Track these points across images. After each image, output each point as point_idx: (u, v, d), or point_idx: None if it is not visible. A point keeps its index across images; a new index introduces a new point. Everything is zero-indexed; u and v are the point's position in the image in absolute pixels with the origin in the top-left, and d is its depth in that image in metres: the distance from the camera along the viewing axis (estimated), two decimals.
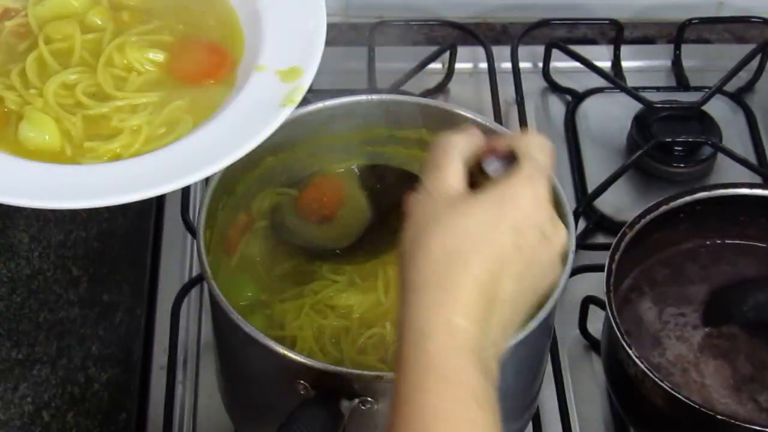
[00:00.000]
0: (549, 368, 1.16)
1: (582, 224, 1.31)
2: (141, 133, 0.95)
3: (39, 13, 1.03)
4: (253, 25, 1.02)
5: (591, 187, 1.34)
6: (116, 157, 0.94)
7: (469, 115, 1.11)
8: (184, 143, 0.94)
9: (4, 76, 0.99)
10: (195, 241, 1.02)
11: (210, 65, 1.00)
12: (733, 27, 1.55)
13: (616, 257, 1.10)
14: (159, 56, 1.01)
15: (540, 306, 0.96)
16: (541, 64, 1.47)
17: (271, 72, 0.97)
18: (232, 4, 1.05)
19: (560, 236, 0.84)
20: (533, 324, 0.95)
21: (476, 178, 0.86)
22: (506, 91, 1.42)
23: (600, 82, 1.44)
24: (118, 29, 1.03)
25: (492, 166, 0.85)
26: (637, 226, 1.12)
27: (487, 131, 0.96)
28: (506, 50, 1.46)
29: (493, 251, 0.80)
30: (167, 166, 0.92)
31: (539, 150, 0.85)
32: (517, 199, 0.82)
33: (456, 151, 0.85)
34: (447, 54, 1.45)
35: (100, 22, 1.03)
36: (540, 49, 1.46)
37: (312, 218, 1.10)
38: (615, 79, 1.43)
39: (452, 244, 0.79)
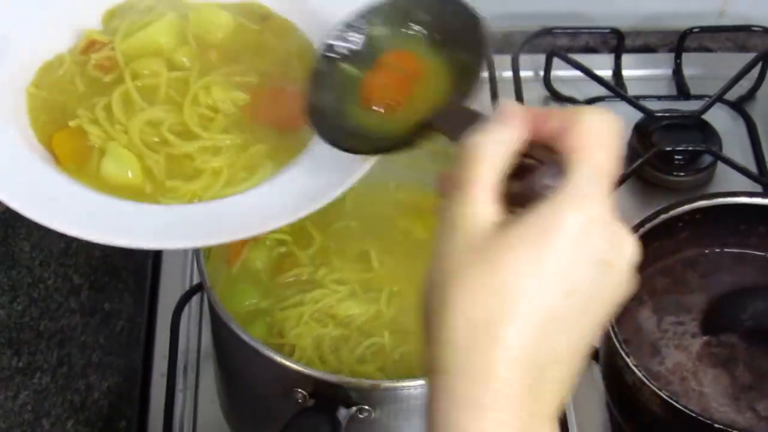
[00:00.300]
0: None
1: None
2: (222, 175, 0.94)
3: (126, 48, 1.01)
4: None
5: None
6: (195, 198, 0.93)
7: None
8: (263, 190, 0.92)
9: (89, 110, 0.97)
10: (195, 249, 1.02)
11: (292, 110, 0.96)
12: (734, 36, 1.55)
13: None
14: (243, 98, 0.99)
15: None
16: (542, 73, 1.47)
17: None
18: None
19: (626, 253, 0.67)
20: None
21: (522, 177, 0.68)
22: (507, 100, 1.42)
23: (601, 90, 1.44)
24: (204, 68, 1.01)
25: (539, 181, 0.67)
26: (636, 235, 1.12)
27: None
28: (507, 59, 1.46)
29: (535, 313, 0.63)
30: (245, 213, 0.90)
31: (599, 141, 0.66)
32: (563, 233, 0.63)
33: (486, 165, 0.66)
34: None
35: (186, 61, 1.01)
36: (541, 58, 1.47)
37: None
38: (616, 87, 1.44)
39: (479, 311, 0.63)
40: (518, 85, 1.43)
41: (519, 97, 1.41)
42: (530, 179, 0.68)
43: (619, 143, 0.67)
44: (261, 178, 0.94)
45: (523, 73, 1.45)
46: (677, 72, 1.49)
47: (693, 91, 1.47)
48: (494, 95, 1.41)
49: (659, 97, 1.46)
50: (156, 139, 0.96)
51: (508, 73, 1.45)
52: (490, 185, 0.66)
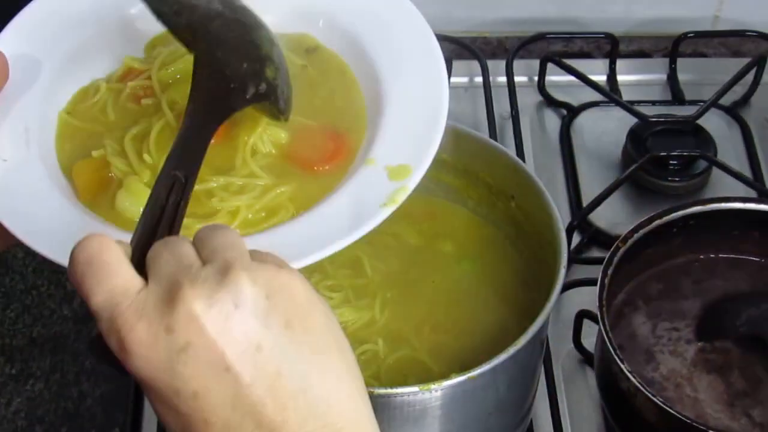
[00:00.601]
0: (543, 382, 1.16)
1: (577, 238, 1.31)
2: (238, 216, 0.92)
3: (163, 78, 0.99)
4: (374, 114, 0.98)
5: (586, 201, 1.34)
6: None
7: (463, 130, 1.11)
8: (278, 232, 0.90)
9: (116, 141, 0.95)
10: None
11: (325, 153, 0.96)
12: (729, 41, 1.55)
13: (609, 271, 1.10)
14: (282, 137, 0.97)
15: (531, 319, 0.97)
16: (536, 78, 1.47)
17: (381, 167, 0.92)
18: (361, 90, 1.00)
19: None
20: (525, 338, 0.95)
21: None
22: (501, 105, 1.42)
23: (595, 96, 1.44)
24: None
25: None
26: (631, 241, 1.12)
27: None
28: (501, 64, 1.46)
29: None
30: None
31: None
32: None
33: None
34: None
35: None
36: (535, 63, 1.47)
37: None
38: (610, 93, 1.44)
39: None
40: (512, 90, 1.43)
41: (513, 103, 1.41)
42: None
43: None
44: (280, 220, 0.92)
45: (517, 79, 1.45)
46: (671, 77, 1.49)
47: (687, 97, 1.47)
48: (489, 101, 1.41)
49: (653, 102, 1.46)
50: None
51: (503, 79, 1.45)
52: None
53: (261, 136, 0.95)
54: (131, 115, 0.97)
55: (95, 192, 0.92)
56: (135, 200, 0.91)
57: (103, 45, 1.01)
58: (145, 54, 1.02)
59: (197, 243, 0.72)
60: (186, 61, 0.97)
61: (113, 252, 0.71)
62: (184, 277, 0.68)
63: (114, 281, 0.69)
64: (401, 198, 0.89)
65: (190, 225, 0.88)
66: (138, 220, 0.80)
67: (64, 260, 0.78)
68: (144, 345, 0.67)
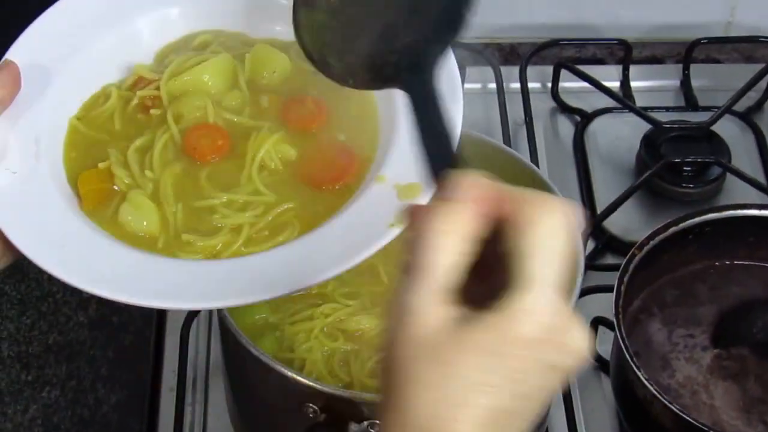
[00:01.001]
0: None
1: (591, 245, 1.31)
2: (242, 233, 0.90)
3: (171, 89, 0.97)
4: (387, 131, 0.95)
5: (600, 207, 1.34)
6: (214, 256, 0.89)
7: (477, 136, 1.11)
8: (283, 251, 0.88)
9: (121, 151, 0.94)
10: None
11: (335, 169, 0.93)
12: (742, 47, 1.55)
13: (625, 278, 1.10)
14: (292, 153, 0.94)
15: None
16: (549, 85, 1.47)
17: (390, 185, 0.90)
18: (376, 101, 0.97)
19: (575, 354, 0.66)
20: None
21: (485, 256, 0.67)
22: (515, 112, 1.42)
23: (609, 102, 1.44)
24: (254, 115, 0.96)
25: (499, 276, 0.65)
26: (646, 247, 1.12)
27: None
28: (515, 70, 1.46)
29: (484, 416, 0.64)
30: (259, 275, 0.87)
31: (552, 247, 0.65)
32: (517, 345, 0.64)
33: (440, 257, 0.65)
34: None
35: (236, 106, 0.97)
36: (549, 70, 1.47)
37: None
38: (624, 99, 1.43)
39: (430, 410, 0.64)
40: (526, 96, 1.43)
41: (527, 109, 1.41)
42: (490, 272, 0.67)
43: (575, 245, 0.68)
44: (286, 239, 0.90)
45: (530, 85, 1.45)
46: (685, 83, 1.49)
47: (701, 103, 1.46)
48: (502, 107, 1.41)
49: (667, 109, 1.46)
50: (189, 188, 0.92)
51: (516, 85, 1.45)
52: (443, 282, 0.65)
53: (269, 153, 0.93)
54: (137, 125, 0.96)
55: (98, 203, 0.92)
56: (137, 214, 0.90)
57: (116, 52, 1.00)
58: (155, 62, 1.01)
59: None
60: (195, 73, 0.97)
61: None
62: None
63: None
64: None
65: (193, 241, 0.89)
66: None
67: (61, 274, 0.83)
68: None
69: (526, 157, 1.24)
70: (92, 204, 0.91)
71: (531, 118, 1.41)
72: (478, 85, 1.48)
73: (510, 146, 1.33)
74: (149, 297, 0.86)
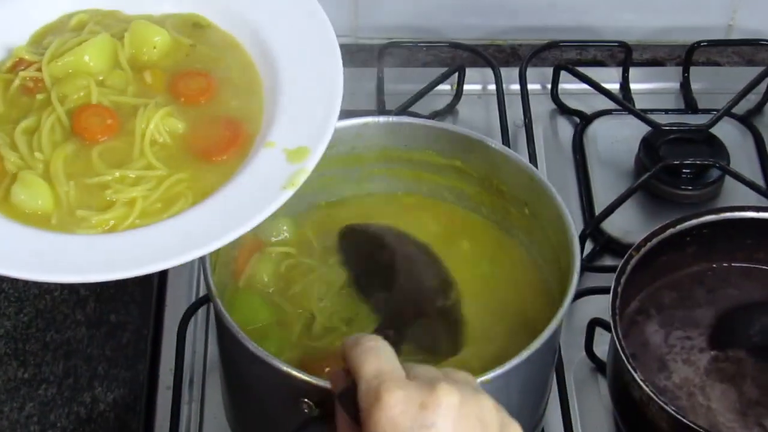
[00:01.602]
0: (555, 390, 1.16)
1: (589, 246, 1.31)
2: (136, 206, 0.93)
3: (53, 71, 0.98)
4: (271, 98, 0.99)
5: (599, 209, 1.34)
6: (110, 230, 0.92)
7: (477, 137, 1.11)
8: (179, 220, 0.92)
9: (7, 133, 0.95)
10: (201, 260, 1.02)
11: (223, 141, 0.97)
12: (742, 50, 1.55)
13: (622, 280, 1.10)
14: (179, 127, 0.98)
15: (544, 326, 0.97)
16: (549, 86, 1.47)
17: (279, 150, 0.94)
18: (258, 69, 1.02)
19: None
20: (537, 344, 0.95)
21: None
22: (515, 113, 1.42)
23: (608, 104, 1.44)
24: (139, 92, 0.99)
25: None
26: (644, 249, 1.12)
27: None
28: (515, 72, 1.46)
29: None
30: (157, 245, 0.89)
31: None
32: None
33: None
34: (456, 75, 1.45)
35: (119, 85, 0.99)
36: (549, 71, 1.47)
37: None
38: (623, 101, 1.43)
39: None
40: (525, 98, 1.43)
41: (526, 110, 1.41)
42: None
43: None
44: (180, 209, 0.93)
45: (530, 86, 1.45)
46: (685, 86, 1.49)
47: (700, 105, 1.46)
48: (502, 109, 1.41)
49: (667, 111, 1.46)
50: (79, 167, 0.94)
51: (516, 87, 1.45)
52: None
53: (158, 127, 0.96)
54: (21, 107, 0.97)
55: None
56: (31, 193, 0.92)
57: None
58: (31, 43, 1.02)
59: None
60: (77, 54, 0.99)
61: (389, 349, 0.84)
62: (443, 377, 0.81)
63: (385, 363, 0.81)
64: (301, 179, 0.91)
65: (87, 216, 0.91)
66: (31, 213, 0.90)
67: None
68: (397, 407, 0.77)
69: (525, 159, 1.24)
70: None
71: (530, 120, 1.40)
72: (478, 87, 1.48)
73: (509, 147, 1.33)
74: (47, 271, 0.87)
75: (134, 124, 0.96)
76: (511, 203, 1.12)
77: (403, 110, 1.37)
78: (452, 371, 0.83)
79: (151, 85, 0.99)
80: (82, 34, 1.01)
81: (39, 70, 0.98)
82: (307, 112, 0.96)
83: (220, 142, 0.96)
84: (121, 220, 0.92)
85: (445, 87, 1.46)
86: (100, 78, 0.99)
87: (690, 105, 1.47)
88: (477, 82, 1.48)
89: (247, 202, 0.91)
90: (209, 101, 0.99)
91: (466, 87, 1.46)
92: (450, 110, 1.46)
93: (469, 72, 1.46)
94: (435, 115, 1.42)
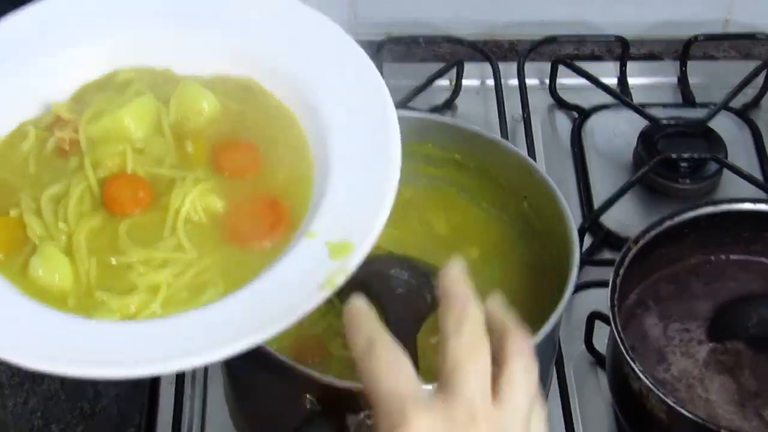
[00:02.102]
0: (555, 384, 1.16)
1: (588, 240, 1.32)
2: (159, 293, 0.84)
3: (91, 133, 0.91)
4: (320, 181, 0.90)
5: (597, 203, 1.34)
6: (130, 316, 0.84)
7: (475, 131, 1.12)
8: (205, 313, 0.83)
9: (34, 198, 0.88)
10: None
11: (263, 225, 0.88)
12: (739, 44, 1.55)
13: (621, 272, 1.10)
14: (218, 205, 0.89)
15: (543, 320, 0.97)
16: (547, 81, 1.47)
17: (321, 242, 0.85)
18: (309, 146, 0.92)
19: None
20: (537, 338, 0.96)
21: None
22: (513, 107, 1.43)
23: (606, 98, 1.44)
24: (178, 162, 0.91)
25: None
26: (642, 242, 1.12)
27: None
28: (513, 67, 1.47)
29: None
30: (178, 339, 0.81)
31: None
32: None
33: None
34: (454, 70, 1.46)
35: (158, 154, 0.91)
36: (546, 66, 1.47)
37: None
38: (621, 95, 1.44)
39: None
40: (524, 92, 1.44)
41: (525, 105, 1.42)
42: None
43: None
44: (208, 299, 0.84)
45: (528, 81, 1.46)
46: (682, 80, 1.49)
47: (698, 99, 1.47)
48: (500, 103, 1.41)
49: (664, 105, 1.47)
50: (104, 242, 0.87)
51: (514, 81, 1.46)
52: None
53: (194, 204, 0.88)
54: (54, 169, 0.90)
55: (7, 253, 0.86)
56: (49, 268, 0.85)
57: (34, 87, 0.94)
58: (73, 100, 0.95)
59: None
60: (117, 116, 0.91)
61: (408, 363, 0.76)
62: (480, 403, 0.74)
63: (405, 381, 0.75)
64: (340, 280, 0.82)
65: (107, 300, 0.84)
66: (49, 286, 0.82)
67: None
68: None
69: (524, 153, 1.25)
70: (2, 253, 0.86)
71: (529, 115, 1.41)
72: (476, 81, 1.49)
73: (508, 141, 1.34)
74: (53, 361, 0.79)
75: (169, 199, 0.88)
76: (511, 196, 1.12)
77: (401, 105, 1.37)
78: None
79: (192, 155, 0.92)
80: (126, 94, 0.94)
81: (76, 130, 0.91)
82: (356, 203, 0.87)
83: (260, 226, 0.88)
84: (143, 307, 0.84)
85: (443, 82, 1.46)
86: (139, 144, 0.91)
87: (687, 99, 1.48)
88: (475, 77, 1.49)
89: (281, 299, 0.82)
90: (253, 177, 0.91)
91: (464, 82, 1.47)
92: (449, 105, 1.46)
93: (468, 67, 1.46)
94: (434, 110, 1.43)
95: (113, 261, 0.86)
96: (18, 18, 0.97)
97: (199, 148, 0.92)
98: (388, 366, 0.75)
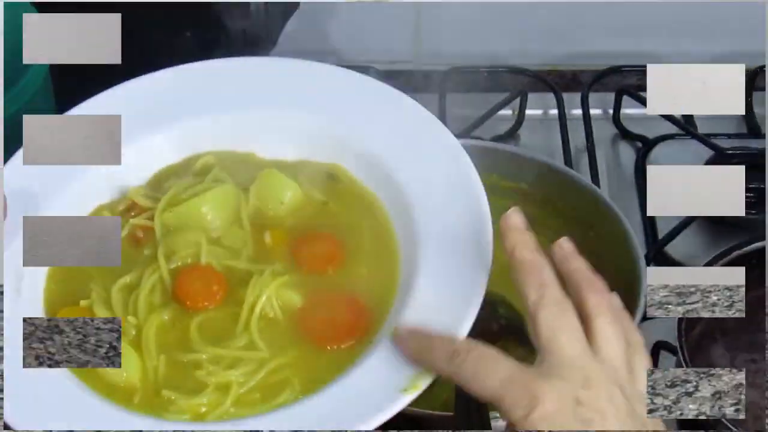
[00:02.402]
0: None
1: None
2: (229, 393, 0.81)
3: (166, 220, 0.88)
4: (406, 276, 0.85)
5: (662, 233, 1.34)
6: (199, 417, 0.81)
7: (544, 160, 1.12)
8: (279, 416, 0.79)
9: (104, 288, 0.86)
10: None
11: (342, 326, 0.84)
12: None
13: None
14: (296, 301, 0.86)
15: None
16: (611, 111, 1.47)
17: None
18: (396, 237, 0.88)
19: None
20: None
21: None
22: (577, 138, 1.43)
23: (671, 128, 1.44)
24: (256, 254, 0.88)
25: None
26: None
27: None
28: (576, 97, 1.47)
29: None
30: None
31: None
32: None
33: None
34: (517, 100, 1.46)
35: (235, 245, 0.88)
36: (610, 96, 1.47)
37: None
38: (686, 125, 1.44)
39: None
40: (588, 122, 1.44)
41: (589, 135, 1.42)
42: None
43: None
44: (285, 401, 0.81)
45: (592, 111, 1.46)
46: (747, 110, 1.48)
47: (763, 129, 1.46)
48: (564, 133, 1.41)
49: (729, 135, 1.46)
50: (175, 340, 0.84)
51: (578, 111, 1.46)
52: None
53: (271, 300, 0.84)
54: (126, 258, 0.85)
55: None
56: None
57: (110, 172, 0.91)
58: (150, 184, 0.94)
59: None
60: (194, 204, 0.89)
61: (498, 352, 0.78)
62: (588, 364, 0.77)
63: (511, 366, 0.76)
64: (424, 383, 0.78)
65: (175, 399, 0.81)
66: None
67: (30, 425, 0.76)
68: (554, 403, 0.73)
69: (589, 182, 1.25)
70: None
71: (593, 145, 1.41)
72: (539, 111, 1.49)
73: (573, 170, 1.34)
74: None
75: (244, 294, 0.85)
76: (577, 226, 1.12)
77: (465, 135, 1.38)
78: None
79: (270, 247, 0.88)
80: (205, 180, 0.91)
81: (151, 218, 0.88)
82: (444, 300, 0.82)
83: (340, 327, 0.84)
84: (213, 408, 0.81)
85: (506, 112, 1.47)
86: (215, 234, 0.88)
87: (753, 129, 1.47)
88: (539, 107, 1.49)
89: (360, 404, 0.78)
90: (335, 272, 0.87)
91: (527, 112, 1.47)
92: (512, 135, 1.46)
93: (531, 97, 1.47)
94: (497, 140, 1.43)
95: (183, 358, 0.83)
96: (99, 100, 0.95)
97: (278, 240, 0.89)
98: (489, 360, 0.76)
